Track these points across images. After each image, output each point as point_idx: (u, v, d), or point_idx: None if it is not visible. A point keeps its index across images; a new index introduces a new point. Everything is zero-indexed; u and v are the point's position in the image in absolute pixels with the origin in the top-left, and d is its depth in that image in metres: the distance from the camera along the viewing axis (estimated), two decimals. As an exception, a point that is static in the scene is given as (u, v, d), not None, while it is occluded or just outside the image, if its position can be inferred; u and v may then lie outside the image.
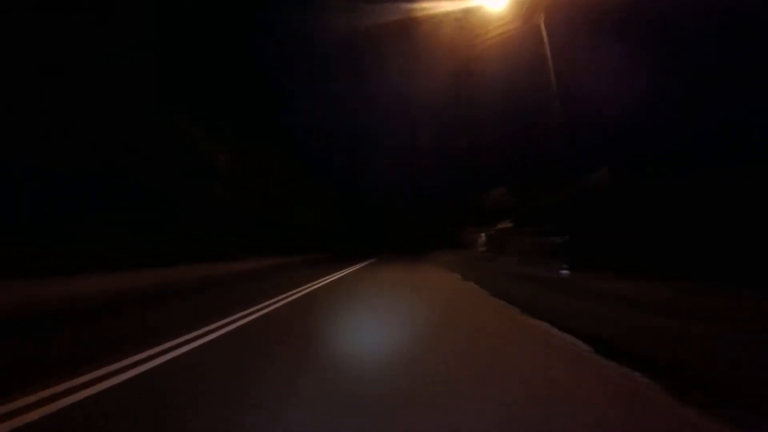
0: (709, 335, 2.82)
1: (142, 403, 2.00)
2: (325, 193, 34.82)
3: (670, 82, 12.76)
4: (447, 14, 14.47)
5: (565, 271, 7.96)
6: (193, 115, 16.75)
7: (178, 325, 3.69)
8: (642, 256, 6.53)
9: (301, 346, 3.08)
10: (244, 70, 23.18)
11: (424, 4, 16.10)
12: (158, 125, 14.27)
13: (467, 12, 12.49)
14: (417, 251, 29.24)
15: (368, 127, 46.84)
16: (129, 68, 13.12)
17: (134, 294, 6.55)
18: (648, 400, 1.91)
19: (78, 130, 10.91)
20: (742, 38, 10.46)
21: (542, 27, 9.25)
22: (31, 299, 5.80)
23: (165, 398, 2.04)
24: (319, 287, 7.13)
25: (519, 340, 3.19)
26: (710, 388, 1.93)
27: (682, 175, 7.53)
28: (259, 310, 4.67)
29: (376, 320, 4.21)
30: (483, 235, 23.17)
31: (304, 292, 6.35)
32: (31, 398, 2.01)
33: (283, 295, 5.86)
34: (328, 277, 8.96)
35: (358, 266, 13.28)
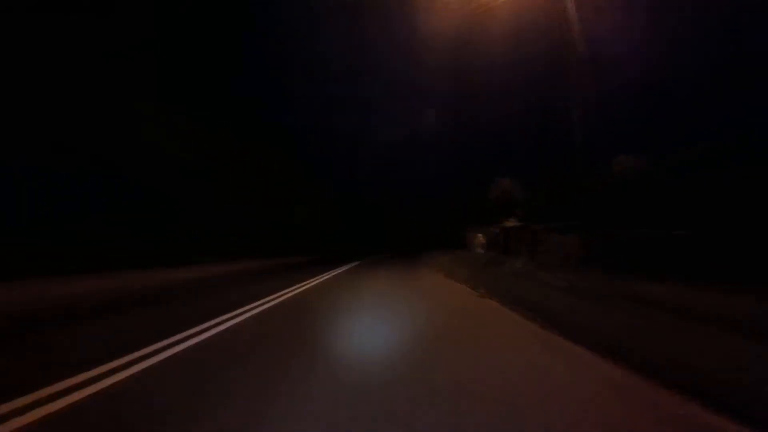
0: None
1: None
2: (325, 193, 34.83)
3: (724, 50, 10.23)
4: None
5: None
6: (194, 115, 16.75)
7: None
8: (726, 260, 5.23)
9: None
10: (245, 70, 23.19)
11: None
12: (158, 125, 14.27)
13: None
14: (416, 251, 28.79)
15: (367, 120, 46.83)
16: (129, 68, 13.13)
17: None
18: None
19: (78, 129, 10.91)
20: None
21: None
22: None
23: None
24: (262, 310, 4.68)
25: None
26: None
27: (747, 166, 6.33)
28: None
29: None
30: (480, 235, 21.33)
31: (228, 325, 3.82)
32: None
33: (193, 330, 3.52)
34: (293, 288, 6.71)
35: (345, 268, 11.95)
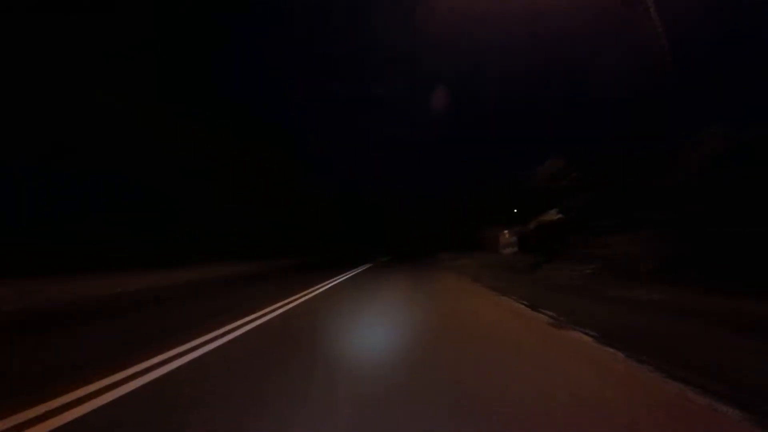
0: None
1: None
2: (325, 193, 34.84)
3: None
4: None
5: None
6: (194, 116, 16.75)
7: None
8: None
9: None
10: (245, 70, 23.19)
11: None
12: (158, 125, 14.27)
13: None
14: (423, 253, 26.59)
15: (368, 118, 46.84)
16: (128, 68, 13.13)
17: None
18: None
19: (78, 129, 10.91)
20: None
21: None
22: None
23: None
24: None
25: None
26: None
27: None
28: None
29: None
30: (506, 232, 18.06)
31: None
32: None
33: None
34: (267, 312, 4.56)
35: (334, 282, 8.32)
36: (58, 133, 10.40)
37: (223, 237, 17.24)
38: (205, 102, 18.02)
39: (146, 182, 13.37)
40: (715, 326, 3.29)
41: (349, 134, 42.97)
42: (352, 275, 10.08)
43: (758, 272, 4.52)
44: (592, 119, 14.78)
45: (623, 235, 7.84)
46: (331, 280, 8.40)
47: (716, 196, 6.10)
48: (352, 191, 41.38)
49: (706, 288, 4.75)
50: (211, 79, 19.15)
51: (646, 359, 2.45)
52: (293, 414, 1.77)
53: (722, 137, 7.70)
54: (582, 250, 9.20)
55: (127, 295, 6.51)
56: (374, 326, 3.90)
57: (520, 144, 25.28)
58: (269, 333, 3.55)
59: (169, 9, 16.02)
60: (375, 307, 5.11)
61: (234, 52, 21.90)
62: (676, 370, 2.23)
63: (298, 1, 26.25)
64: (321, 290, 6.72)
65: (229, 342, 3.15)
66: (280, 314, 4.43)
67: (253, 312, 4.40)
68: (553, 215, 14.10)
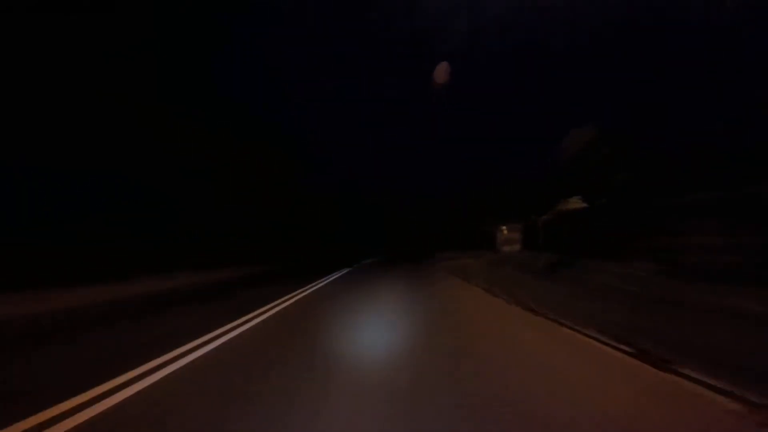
0: None
1: None
2: (325, 194, 34.84)
3: None
4: None
5: None
6: (193, 115, 16.75)
7: None
8: None
9: None
10: (245, 70, 23.19)
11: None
12: (159, 125, 14.26)
13: None
14: (421, 254, 26.13)
15: (368, 117, 46.86)
16: (128, 68, 13.12)
17: None
18: None
19: (77, 129, 10.90)
20: None
21: None
22: None
23: None
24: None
25: None
26: None
27: None
28: None
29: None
30: (504, 228, 16.14)
31: None
32: None
33: None
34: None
35: (316, 285, 8.21)
36: (58, 133, 10.39)
37: (222, 237, 17.24)
38: (205, 102, 18.01)
39: (146, 182, 13.37)
40: None
41: (349, 134, 42.98)
42: (333, 280, 8.81)
43: None
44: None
45: (685, 223, 5.99)
46: (295, 294, 6.86)
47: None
48: (352, 191, 41.39)
49: None
50: (211, 79, 19.14)
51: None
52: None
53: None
54: (627, 245, 7.14)
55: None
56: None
57: (519, 144, 24.77)
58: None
59: (169, 9, 16.01)
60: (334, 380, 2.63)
61: (234, 52, 21.88)
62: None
63: (298, 1, 26.25)
64: (259, 320, 4.72)
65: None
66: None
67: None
68: (575, 203, 11.60)
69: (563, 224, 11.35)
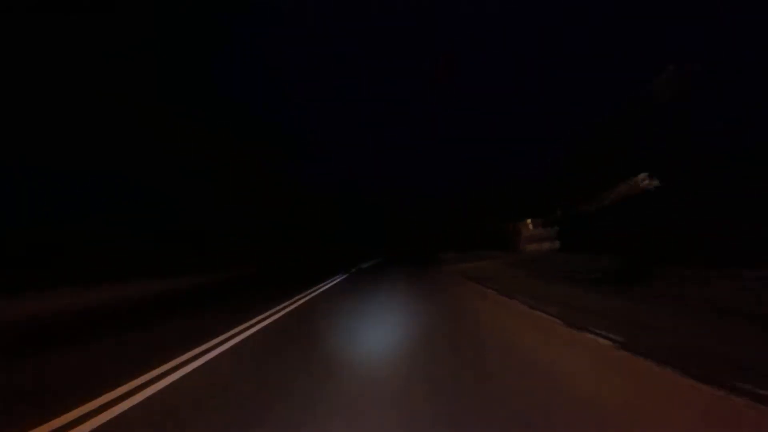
0: None
1: None
2: (326, 194, 34.85)
3: None
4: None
5: None
6: (193, 115, 16.74)
7: None
8: None
9: None
10: (245, 69, 23.19)
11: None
12: (159, 125, 14.26)
13: None
14: (422, 254, 24.84)
15: (369, 116, 46.86)
16: (128, 68, 13.12)
17: None
18: None
19: (78, 129, 10.90)
20: None
21: None
22: None
23: None
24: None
25: None
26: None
27: None
28: None
29: None
30: (530, 222, 13.23)
31: None
32: None
33: None
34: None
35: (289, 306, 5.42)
36: (58, 133, 10.39)
37: (222, 237, 17.24)
38: (205, 102, 18.02)
39: (146, 182, 13.37)
40: None
41: (349, 134, 43.00)
42: (318, 294, 6.63)
43: None
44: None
45: None
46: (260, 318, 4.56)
47: None
48: (352, 191, 41.41)
49: None
50: (211, 79, 19.15)
51: None
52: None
53: None
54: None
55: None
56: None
57: (519, 144, 24.52)
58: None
59: (169, 9, 16.01)
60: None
61: (234, 52, 21.88)
62: None
63: (298, 1, 26.26)
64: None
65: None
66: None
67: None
68: (642, 181, 8.33)
69: (619, 213, 8.42)
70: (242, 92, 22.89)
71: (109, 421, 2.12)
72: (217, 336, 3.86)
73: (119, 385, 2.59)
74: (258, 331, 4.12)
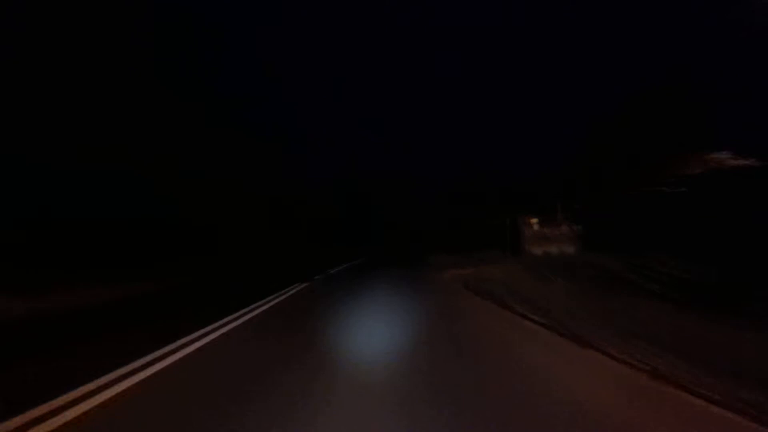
0: None
1: None
2: (325, 193, 34.82)
3: None
4: None
5: None
6: (192, 114, 16.78)
7: None
8: None
9: None
10: (244, 69, 23.19)
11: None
12: (159, 125, 14.31)
13: None
14: (421, 254, 23.61)
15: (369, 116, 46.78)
16: (129, 67, 13.17)
17: None
18: None
19: (78, 129, 10.94)
20: None
21: None
22: None
23: None
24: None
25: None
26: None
27: None
28: None
29: None
30: (533, 219, 11.07)
31: None
32: None
33: None
34: None
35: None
36: (57, 132, 10.45)
37: (212, 234, 17.28)
38: (205, 102, 18.06)
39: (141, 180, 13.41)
40: None
41: (350, 134, 42.99)
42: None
43: None
44: None
45: None
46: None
47: None
48: (351, 191, 41.37)
49: None
50: (210, 78, 19.18)
51: None
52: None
53: None
54: None
55: None
56: None
57: (520, 143, 24.18)
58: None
59: (169, 8, 16.05)
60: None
61: (234, 52, 21.91)
62: None
63: (298, 1, 26.26)
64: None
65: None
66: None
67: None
68: (726, 160, 6.10)
69: (685, 204, 5.97)
70: (242, 92, 22.79)
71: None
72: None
73: None
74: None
